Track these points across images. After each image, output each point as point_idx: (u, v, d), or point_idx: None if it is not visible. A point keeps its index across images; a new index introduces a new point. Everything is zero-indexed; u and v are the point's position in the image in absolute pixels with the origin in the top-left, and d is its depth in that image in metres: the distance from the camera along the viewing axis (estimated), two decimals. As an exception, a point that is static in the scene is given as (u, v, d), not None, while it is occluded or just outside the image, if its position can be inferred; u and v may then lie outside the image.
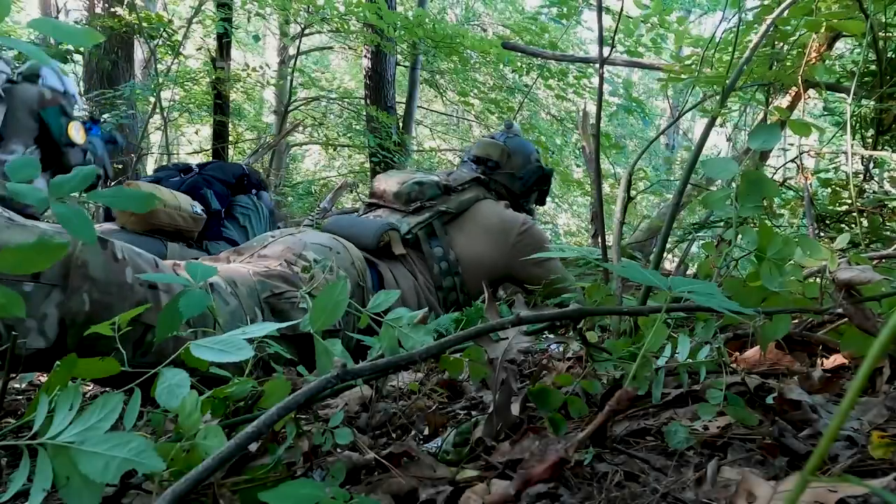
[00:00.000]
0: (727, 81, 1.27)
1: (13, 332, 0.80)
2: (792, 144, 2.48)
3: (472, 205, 2.15)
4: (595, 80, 4.83)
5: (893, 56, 2.23)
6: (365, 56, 6.25)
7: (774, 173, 2.46)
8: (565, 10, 4.33)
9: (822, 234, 2.24)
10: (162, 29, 5.44)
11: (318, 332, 0.78)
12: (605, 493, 0.66)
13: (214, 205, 2.74)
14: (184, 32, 5.77)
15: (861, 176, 2.41)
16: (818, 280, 1.02)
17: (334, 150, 8.45)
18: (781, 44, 2.39)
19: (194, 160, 8.80)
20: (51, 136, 2.66)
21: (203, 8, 5.75)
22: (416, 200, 2.09)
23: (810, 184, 2.11)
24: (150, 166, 7.79)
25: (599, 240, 1.47)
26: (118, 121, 5.11)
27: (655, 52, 4.07)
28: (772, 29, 1.83)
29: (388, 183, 2.17)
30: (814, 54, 2.48)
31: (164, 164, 4.36)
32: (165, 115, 5.58)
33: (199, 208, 2.45)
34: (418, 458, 0.76)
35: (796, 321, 1.19)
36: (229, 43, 5.75)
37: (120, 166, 5.27)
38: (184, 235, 2.40)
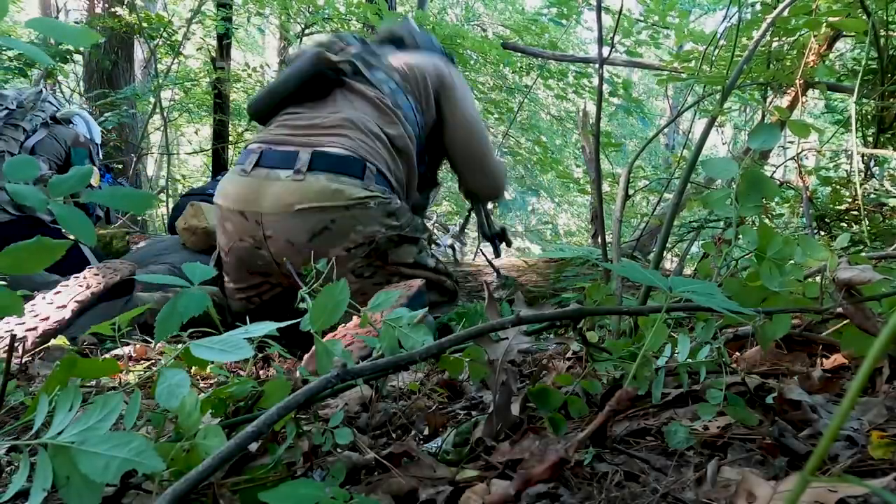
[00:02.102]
0: (727, 81, 1.27)
1: (13, 335, 0.80)
2: (792, 142, 2.48)
3: (390, 52, 2.15)
4: (595, 80, 4.83)
5: (894, 54, 2.23)
6: (365, 56, 6.22)
7: (774, 172, 2.46)
8: (565, 10, 4.33)
9: (821, 233, 2.23)
10: (162, 29, 5.43)
11: (318, 332, 0.78)
12: (605, 493, 0.66)
13: None
14: (184, 32, 5.77)
15: (862, 174, 2.40)
16: (818, 280, 1.02)
17: (334, 149, 8.41)
18: (782, 41, 2.39)
19: (194, 160, 8.80)
20: None
21: (203, 8, 5.75)
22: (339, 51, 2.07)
23: (808, 186, 2.11)
24: (150, 166, 7.79)
25: (599, 240, 1.47)
26: (119, 120, 5.12)
27: (654, 45, 4.07)
28: (772, 29, 1.83)
29: None
30: (813, 56, 2.48)
31: (226, 169, 4.63)
32: (165, 115, 5.58)
33: None
34: (418, 458, 0.76)
35: (796, 321, 1.19)
36: (229, 43, 5.75)
37: (120, 166, 5.28)
38: None
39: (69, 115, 3.06)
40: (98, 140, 3.23)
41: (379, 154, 1.87)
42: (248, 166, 1.78)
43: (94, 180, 2.96)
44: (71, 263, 2.47)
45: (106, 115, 5.00)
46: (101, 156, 3.35)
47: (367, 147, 1.84)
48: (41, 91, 2.90)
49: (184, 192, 3.40)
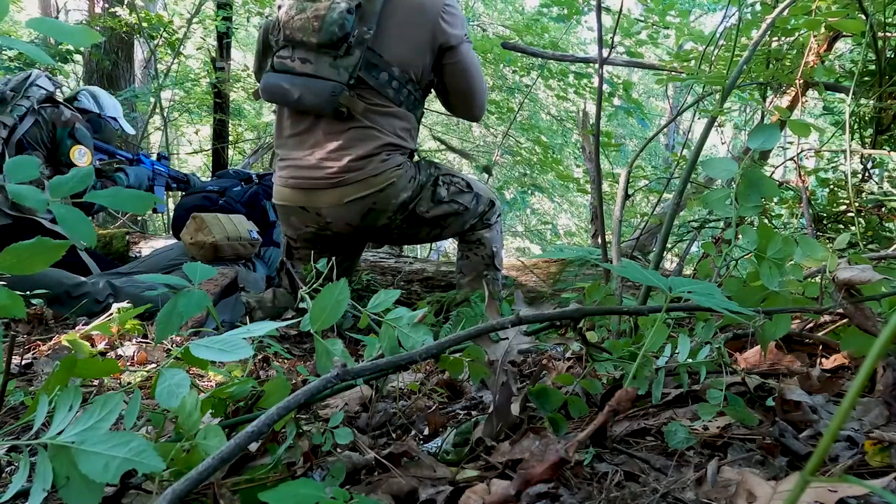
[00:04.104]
0: (727, 81, 1.27)
1: (9, 330, 0.80)
2: (791, 143, 2.48)
3: (382, 6, 2.05)
4: (595, 81, 4.82)
5: (893, 55, 2.23)
6: (365, 56, 6.21)
7: (773, 172, 2.46)
8: (566, 10, 4.31)
9: (820, 234, 2.23)
10: (162, 29, 5.43)
11: (318, 333, 0.78)
12: (605, 493, 0.66)
13: (271, 216, 3.10)
14: (184, 32, 5.76)
15: (860, 176, 2.41)
16: (818, 280, 1.02)
17: (334, 149, 8.40)
18: (781, 41, 2.39)
19: (194, 160, 8.79)
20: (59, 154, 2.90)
21: (203, 8, 5.75)
22: (342, 41, 1.99)
23: (807, 186, 2.11)
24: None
25: (599, 240, 1.47)
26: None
27: (654, 44, 4.07)
28: (771, 29, 1.83)
29: (305, 32, 2.02)
30: (812, 56, 2.48)
31: (226, 168, 4.75)
32: (165, 115, 5.58)
33: (254, 232, 2.71)
34: (418, 458, 0.76)
35: (796, 321, 1.19)
36: (229, 43, 5.75)
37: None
38: (242, 257, 2.71)
39: (75, 92, 3.02)
40: (112, 113, 3.15)
41: (384, 128, 2.06)
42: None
43: (83, 160, 2.84)
44: (72, 262, 2.47)
45: None
46: (121, 129, 3.25)
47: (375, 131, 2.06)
48: (29, 75, 2.76)
49: (184, 193, 3.42)
